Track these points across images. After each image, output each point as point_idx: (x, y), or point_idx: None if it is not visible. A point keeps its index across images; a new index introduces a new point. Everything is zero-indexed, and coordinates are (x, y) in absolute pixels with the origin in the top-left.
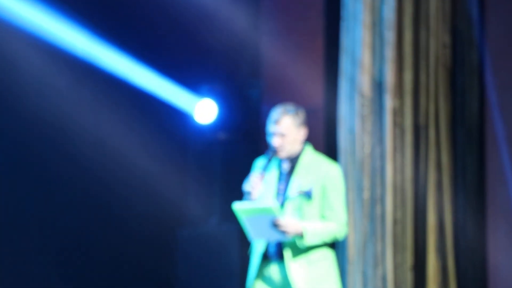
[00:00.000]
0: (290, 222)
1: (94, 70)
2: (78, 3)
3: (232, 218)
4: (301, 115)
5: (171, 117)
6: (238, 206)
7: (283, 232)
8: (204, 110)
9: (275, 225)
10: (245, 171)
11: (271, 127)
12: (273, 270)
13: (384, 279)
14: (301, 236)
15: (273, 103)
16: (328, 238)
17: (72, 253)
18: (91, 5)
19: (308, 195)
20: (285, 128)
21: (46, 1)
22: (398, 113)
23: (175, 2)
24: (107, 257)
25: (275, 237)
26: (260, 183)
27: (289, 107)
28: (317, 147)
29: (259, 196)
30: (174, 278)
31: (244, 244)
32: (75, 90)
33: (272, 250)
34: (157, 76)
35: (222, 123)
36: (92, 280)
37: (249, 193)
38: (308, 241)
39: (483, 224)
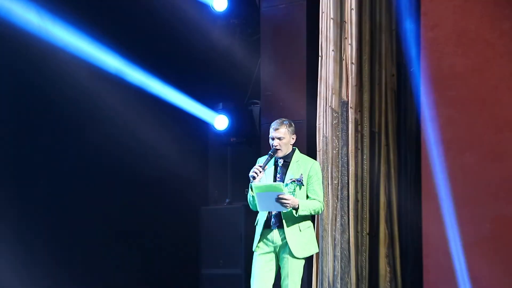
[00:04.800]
0: (290, 198)
1: (143, 93)
2: (124, 37)
3: (239, 198)
4: (293, 126)
5: (197, 127)
6: (255, 184)
7: (284, 205)
8: (220, 121)
9: (278, 199)
10: (249, 165)
11: (272, 133)
12: (273, 235)
13: (348, 242)
14: (295, 208)
15: (269, 117)
16: (313, 211)
17: (115, 223)
18: (140, 41)
19: (299, 182)
20: (282, 133)
21: (88, 30)
22: (358, 123)
23: (200, 44)
24: (146, 229)
25: (277, 208)
26: (261, 172)
27: (285, 120)
28: (301, 148)
29: (260, 181)
30: (198, 243)
31: (248, 217)
32: (125, 106)
33: (273, 220)
34: (188, 97)
35: (233, 131)
36: (127, 248)
37: (253, 179)
38: (300, 212)
39: (419, 203)
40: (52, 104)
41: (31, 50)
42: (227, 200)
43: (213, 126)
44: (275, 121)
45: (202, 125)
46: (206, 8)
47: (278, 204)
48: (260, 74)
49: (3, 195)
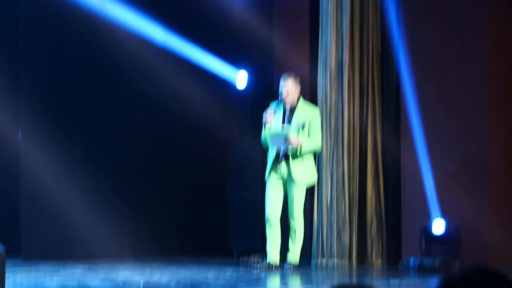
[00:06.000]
0: (296, 138)
1: (181, 59)
2: (155, 7)
3: (257, 138)
4: (298, 78)
5: (222, 84)
6: (269, 128)
7: (291, 144)
8: (241, 78)
9: (287, 139)
10: (264, 110)
11: (281, 83)
12: (282, 166)
13: (343, 173)
14: (300, 146)
15: (281, 73)
16: (313, 149)
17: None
18: (166, 8)
19: (302, 125)
20: (289, 84)
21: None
22: (351, 80)
23: (228, 19)
24: (185, 164)
25: (285, 146)
26: (272, 116)
27: (292, 73)
28: (306, 98)
29: (271, 124)
30: (224, 173)
31: (263, 153)
32: (167, 68)
33: (282, 154)
34: (217, 59)
35: (251, 86)
36: (169, 179)
37: (265, 121)
38: (303, 150)
39: (398, 142)
40: (110, 69)
41: (93, 25)
42: (247, 140)
43: (235, 84)
44: (284, 73)
45: (225, 84)
46: None
47: (287, 143)
48: (274, 41)
49: (73, 156)
